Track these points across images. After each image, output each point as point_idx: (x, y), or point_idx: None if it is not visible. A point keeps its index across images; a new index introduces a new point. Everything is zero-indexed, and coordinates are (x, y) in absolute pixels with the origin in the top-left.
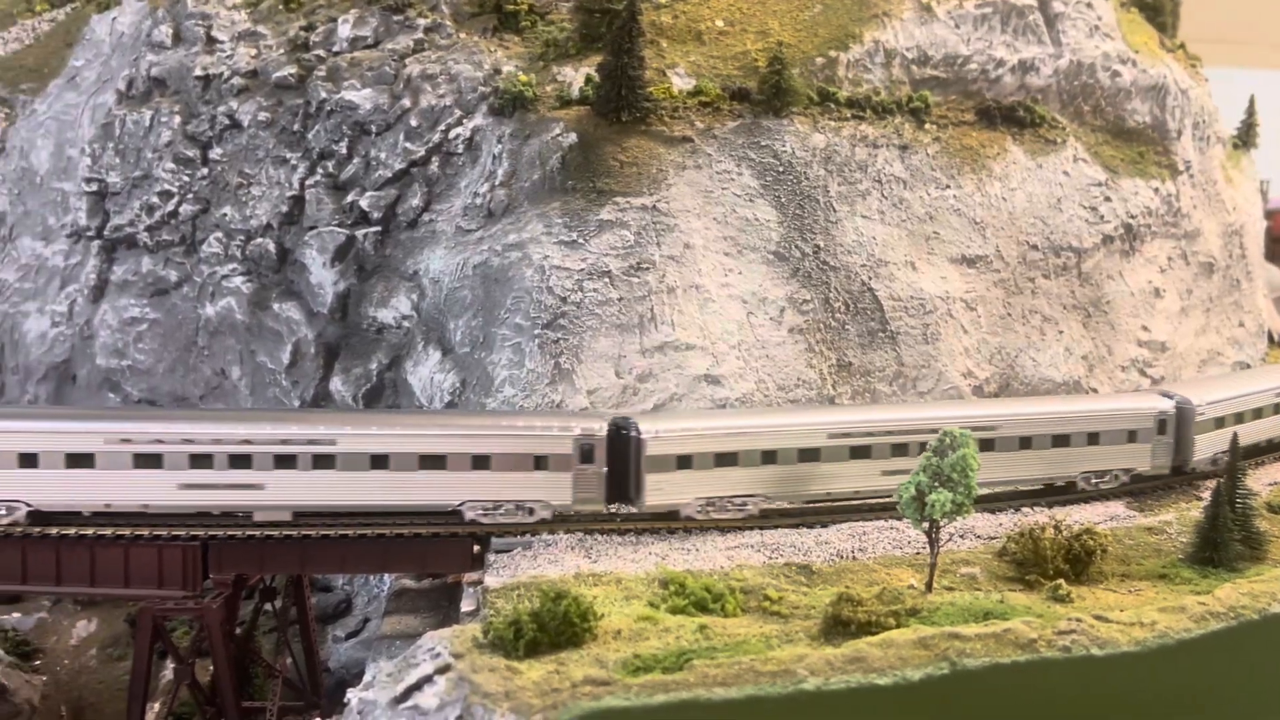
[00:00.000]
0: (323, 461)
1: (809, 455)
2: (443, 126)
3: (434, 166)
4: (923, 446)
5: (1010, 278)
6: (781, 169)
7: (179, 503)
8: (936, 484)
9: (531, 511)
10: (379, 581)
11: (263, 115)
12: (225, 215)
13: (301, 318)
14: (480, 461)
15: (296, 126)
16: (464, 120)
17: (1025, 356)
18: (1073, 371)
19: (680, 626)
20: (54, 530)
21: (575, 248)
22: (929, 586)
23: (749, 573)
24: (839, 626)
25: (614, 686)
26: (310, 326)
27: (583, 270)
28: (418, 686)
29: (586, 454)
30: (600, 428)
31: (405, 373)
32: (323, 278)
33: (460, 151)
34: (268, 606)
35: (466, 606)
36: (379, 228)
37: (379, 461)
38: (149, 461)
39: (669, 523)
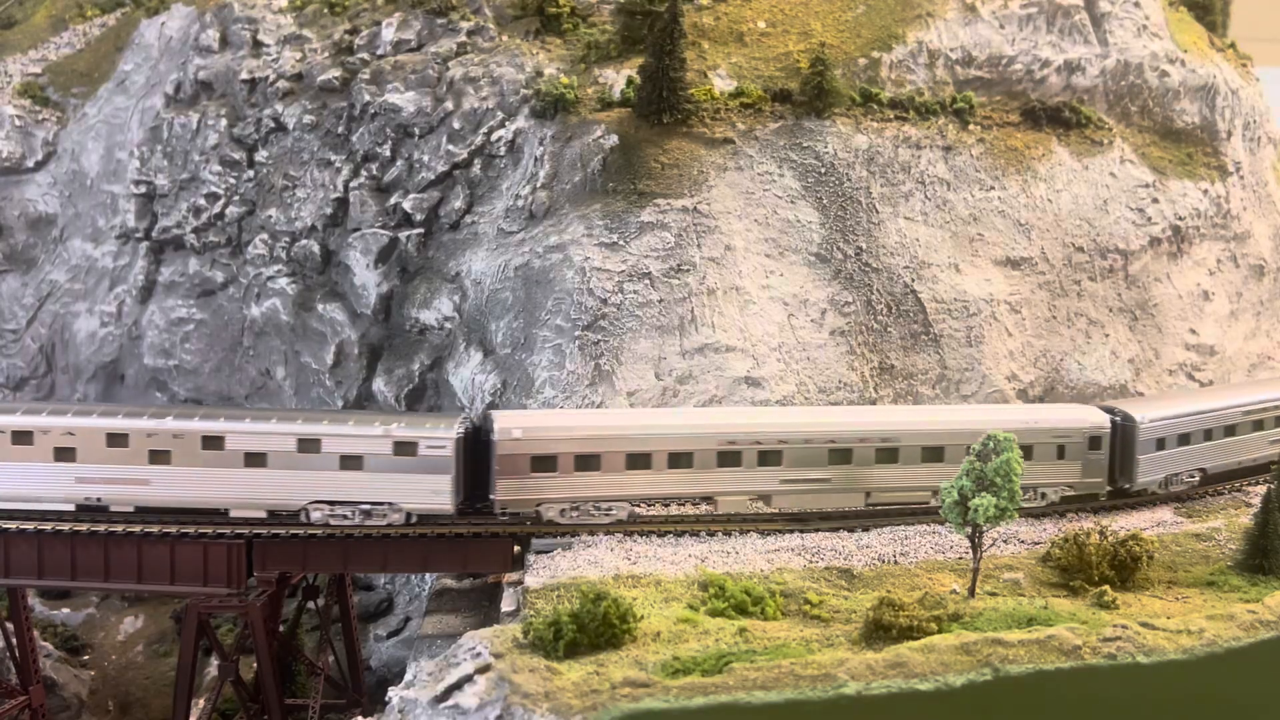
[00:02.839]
0: None
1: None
2: (485, 129)
3: (476, 169)
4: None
5: (1055, 280)
6: (823, 170)
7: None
8: (980, 489)
9: None
10: (420, 581)
11: (307, 118)
12: (270, 217)
13: (345, 319)
14: None
15: (340, 129)
16: (506, 123)
17: (1070, 360)
18: (1119, 375)
19: (720, 629)
20: (102, 527)
21: (616, 249)
22: (971, 591)
23: (789, 576)
24: (880, 631)
25: (653, 688)
26: (354, 327)
27: (623, 272)
28: (458, 686)
29: None
30: None
31: (447, 373)
32: (366, 279)
33: (502, 154)
34: (310, 605)
35: (507, 606)
36: (421, 230)
37: None
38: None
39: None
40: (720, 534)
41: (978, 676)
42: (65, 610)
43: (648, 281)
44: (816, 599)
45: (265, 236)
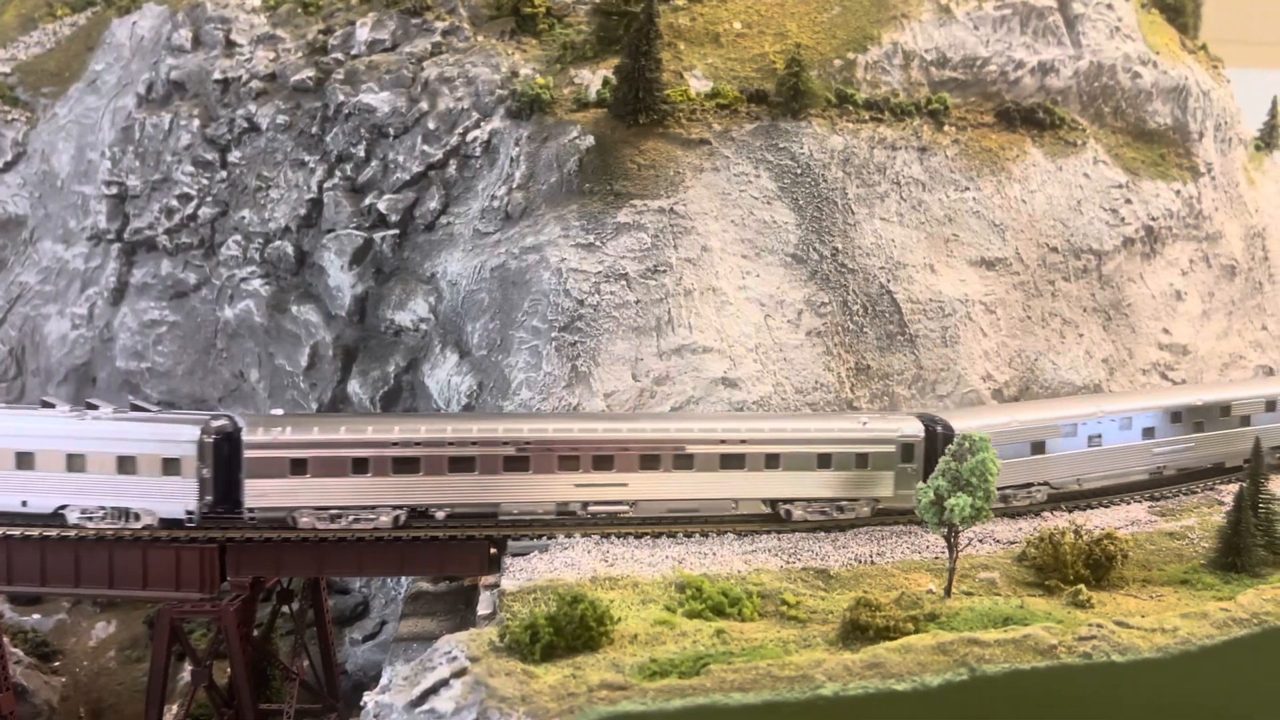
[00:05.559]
0: None
1: None
2: (460, 129)
3: (451, 169)
4: None
5: (1030, 280)
6: (799, 171)
7: None
8: (955, 488)
9: None
10: (396, 584)
11: (281, 118)
12: (244, 218)
13: (319, 320)
14: None
15: (315, 129)
16: (481, 123)
17: (1045, 360)
18: (1093, 375)
19: (697, 631)
20: (72, 532)
21: (592, 250)
22: (948, 591)
23: (766, 577)
24: (857, 631)
25: (630, 691)
26: (328, 329)
27: (600, 273)
28: (434, 690)
29: None
30: None
31: (423, 375)
32: (341, 280)
33: (478, 154)
34: (285, 609)
35: (483, 610)
36: (397, 230)
37: None
38: None
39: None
40: (697, 535)
41: (954, 676)
42: (36, 616)
43: (624, 282)
44: (794, 600)
45: (238, 238)
